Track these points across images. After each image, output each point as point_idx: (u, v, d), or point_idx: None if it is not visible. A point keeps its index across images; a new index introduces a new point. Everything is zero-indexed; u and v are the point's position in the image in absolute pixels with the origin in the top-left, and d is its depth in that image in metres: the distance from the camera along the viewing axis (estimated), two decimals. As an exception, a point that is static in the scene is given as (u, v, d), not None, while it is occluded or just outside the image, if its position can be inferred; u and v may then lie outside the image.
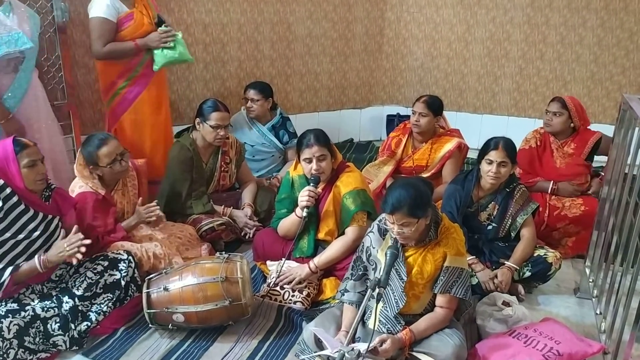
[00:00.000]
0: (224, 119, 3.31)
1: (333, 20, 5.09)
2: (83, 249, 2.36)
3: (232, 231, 3.34)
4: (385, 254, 2.17)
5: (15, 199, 2.36)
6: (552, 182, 3.43)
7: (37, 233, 2.43)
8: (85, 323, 2.44)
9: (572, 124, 3.47)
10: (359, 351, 1.87)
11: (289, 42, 4.93)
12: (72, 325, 2.40)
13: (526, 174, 3.50)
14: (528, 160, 3.54)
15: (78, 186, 2.78)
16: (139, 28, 3.36)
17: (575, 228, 3.30)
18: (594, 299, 2.86)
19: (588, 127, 3.55)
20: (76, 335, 2.40)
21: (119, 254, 2.65)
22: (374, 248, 2.33)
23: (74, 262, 2.38)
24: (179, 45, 3.43)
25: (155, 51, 3.40)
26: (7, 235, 2.34)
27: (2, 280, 2.31)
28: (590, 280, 2.94)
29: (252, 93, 4.02)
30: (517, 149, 2.99)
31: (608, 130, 3.41)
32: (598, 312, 2.72)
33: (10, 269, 2.33)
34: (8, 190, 2.34)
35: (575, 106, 3.46)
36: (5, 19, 2.96)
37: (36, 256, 2.39)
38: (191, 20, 4.46)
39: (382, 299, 2.18)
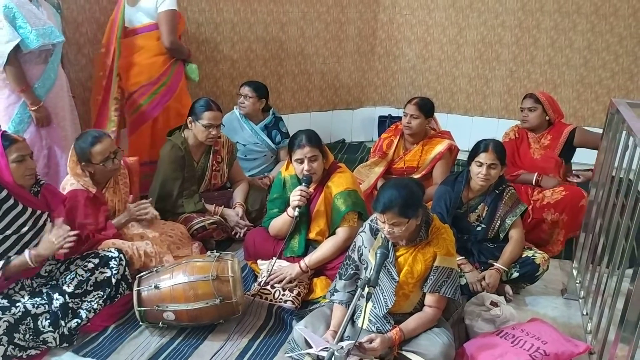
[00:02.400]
0: (217, 119, 3.32)
1: (326, 21, 5.12)
2: (70, 242, 2.36)
3: (223, 230, 3.35)
4: (376, 253, 2.19)
5: (4, 193, 2.36)
6: (536, 173, 3.54)
7: (25, 228, 2.42)
8: (75, 320, 2.44)
9: (547, 117, 3.60)
10: (348, 349, 1.89)
11: (281, 42, 4.95)
12: (63, 322, 2.40)
13: (509, 165, 3.53)
14: (510, 153, 3.60)
15: (69, 184, 2.79)
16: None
17: (560, 215, 3.33)
18: (580, 300, 2.90)
19: (562, 121, 3.67)
20: (66, 332, 2.40)
21: (110, 251, 2.66)
22: (365, 248, 2.35)
23: (61, 256, 2.40)
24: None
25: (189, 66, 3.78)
26: None
27: None
28: (578, 281, 2.98)
29: (246, 89, 4.04)
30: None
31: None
32: (584, 312, 2.76)
33: (0, 263, 2.33)
34: None
35: (547, 99, 3.60)
36: (39, 12, 3.08)
37: (26, 250, 2.38)
38: (184, 19, 4.46)
39: (371, 298, 2.20)
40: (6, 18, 2.94)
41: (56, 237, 2.36)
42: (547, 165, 3.57)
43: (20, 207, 2.41)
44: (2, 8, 2.93)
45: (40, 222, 2.50)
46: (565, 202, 3.33)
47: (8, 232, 2.38)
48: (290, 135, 3.89)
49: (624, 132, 2.51)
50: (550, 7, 4.84)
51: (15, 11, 2.95)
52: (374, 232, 2.35)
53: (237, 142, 3.84)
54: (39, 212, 2.49)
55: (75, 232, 2.39)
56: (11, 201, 2.39)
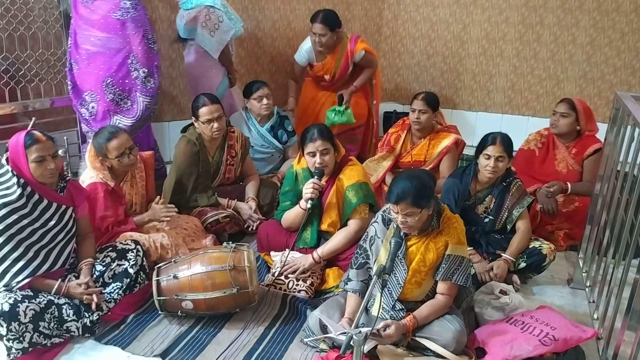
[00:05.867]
0: (213, 112, 3.33)
1: (332, 18, 5.17)
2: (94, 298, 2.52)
3: (235, 223, 3.42)
4: (390, 242, 2.26)
5: (29, 189, 2.42)
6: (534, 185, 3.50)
7: (52, 222, 2.49)
8: (97, 313, 2.50)
9: (578, 127, 3.51)
10: (366, 333, 1.96)
11: (288, 39, 5.01)
12: (86, 314, 2.47)
13: (520, 173, 3.44)
14: (524, 160, 3.63)
15: (89, 177, 2.85)
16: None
17: (568, 225, 3.40)
18: (586, 289, 2.97)
19: (594, 135, 3.52)
20: (88, 324, 2.46)
21: (127, 244, 2.73)
22: (378, 238, 2.42)
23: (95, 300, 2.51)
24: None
25: None
26: (25, 222, 2.40)
27: (18, 284, 2.37)
28: (584, 271, 3.05)
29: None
30: (516, 148, 3.05)
31: (600, 128, 3.50)
32: (591, 300, 2.83)
33: (27, 273, 2.39)
34: (23, 180, 2.41)
35: (583, 109, 3.50)
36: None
37: (57, 283, 2.48)
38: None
39: (386, 285, 2.27)
40: (224, 12, 3.81)
41: (86, 295, 2.49)
42: (570, 180, 3.46)
43: (45, 202, 2.48)
44: (220, 3, 3.83)
45: (66, 218, 2.56)
46: (578, 215, 3.35)
47: (36, 225, 2.44)
48: (295, 133, 4.02)
49: (629, 126, 2.58)
50: (554, 3, 4.89)
51: (226, 5, 3.84)
52: (387, 223, 2.42)
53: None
54: (63, 207, 2.55)
55: (102, 297, 2.56)
56: (36, 196, 2.45)
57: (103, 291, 2.57)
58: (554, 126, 3.57)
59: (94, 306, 2.48)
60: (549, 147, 3.59)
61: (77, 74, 3.50)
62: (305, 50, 4.31)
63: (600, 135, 3.32)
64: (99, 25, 3.36)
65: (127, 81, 3.46)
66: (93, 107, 3.51)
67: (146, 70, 3.46)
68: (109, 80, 3.43)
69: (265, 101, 3.87)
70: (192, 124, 3.46)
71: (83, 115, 3.59)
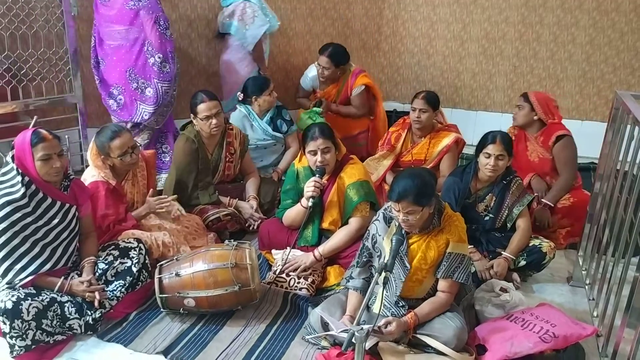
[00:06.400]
0: (211, 108, 3.33)
1: (332, 17, 5.19)
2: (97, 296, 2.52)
3: (237, 222, 3.43)
4: (391, 240, 2.28)
5: (33, 187, 2.44)
6: (530, 175, 3.53)
7: (56, 220, 2.50)
8: (99, 310, 2.51)
9: (536, 117, 3.54)
10: (368, 330, 1.97)
11: (289, 38, 5.02)
12: (89, 312, 2.48)
13: None
14: None
15: (90, 175, 2.86)
16: None
17: (567, 221, 3.41)
18: (586, 287, 2.98)
19: (558, 123, 3.55)
20: (90, 322, 2.48)
21: (130, 242, 2.74)
22: (379, 236, 2.43)
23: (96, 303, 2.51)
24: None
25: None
26: (29, 219, 2.41)
27: (21, 281, 2.38)
28: (584, 269, 3.06)
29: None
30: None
31: (599, 127, 3.51)
32: (591, 298, 2.85)
33: (31, 270, 2.40)
34: (27, 178, 2.42)
35: (538, 99, 3.55)
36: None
37: (60, 281, 2.48)
38: (194, 16, 4.56)
39: (387, 283, 2.28)
40: (260, 7, 4.06)
41: (89, 292, 2.50)
42: (544, 168, 3.53)
43: (49, 200, 2.49)
44: None
45: (69, 216, 2.57)
46: (574, 210, 3.36)
47: (40, 222, 2.46)
48: (293, 122, 4.09)
49: (629, 125, 2.60)
50: (553, 3, 4.90)
51: (262, 2, 4.07)
52: (388, 221, 2.44)
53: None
54: (67, 205, 2.57)
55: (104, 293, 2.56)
56: (40, 194, 2.46)
57: (106, 289, 2.58)
58: (514, 118, 3.67)
59: (96, 304, 2.49)
60: (521, 139, 3.64)
61: (104, 69, 3.75)
62: (310, 77, 4.51)
63: (601, 131, 3.31)
64: (117, 19, 3.59)
65: (146, 69, 3.68)
66: (120, 99, 3.77)
67: (161, 56, 3.64)
68: (131, 70, 3.68)
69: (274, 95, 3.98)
70: (190, 122, 3.47)
71: (111, 106, 3.82)
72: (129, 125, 3.81)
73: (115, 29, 3.61)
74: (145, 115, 3.76)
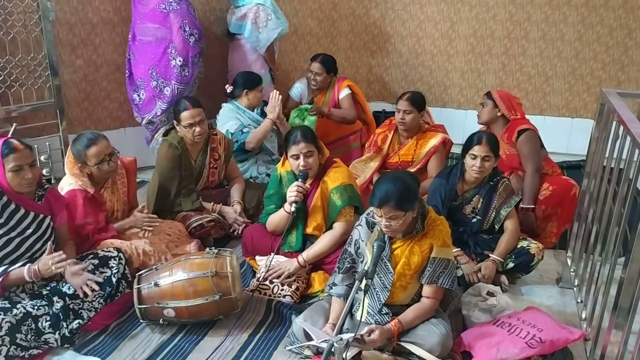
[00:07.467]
0: (195, 116, 3.28)
1: (319, 18, 5.14)
2: (95, 286, 2.43)
3: (221, 227, 3.37)
4: (373, 246, 2.23)
5: (5, 198, 2.38)
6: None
7: (29, 231, 2.44)
8: (77, 321, 2.45)
9: (499, 113, 3.50)
10: (347, 340, 1.92)
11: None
12: (64, 324, 2.41)
13: None
14: None
15: (67, 184, 2.80)
16: None
17: (552, 209, 3.35)
18: (575, 289, 2.94)
19: (523, 118, 3.53)
20: (67, 334, 2.41)
21: (109, 251, 2.68)
22: (362, 241, 2.38)
23: (88, 292, 2.42)
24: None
25: None
26: (1, 231, 2.36)
27: None
28: (572, 270, 3.02)
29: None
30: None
31: (589, 124, 3.46)
32: (579, 300, 2.81)
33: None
34: None
35: (500, 96, 3.52)
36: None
37: (27, 266, 2.39)
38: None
39: (369, 290, 2.23)
40: (273, 10, 4.14)
41: (53, 261, 2.36)
42: (512, 164, 3.49)
43: (22, 210, 2.43)
44: (270, 2, 4.14)
45: (44, 226, 2.52)
46: (556, 196, 3.32)
47: (13, 234, 2.40)
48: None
49: (614, 122, 2.55)
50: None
51: (274, 4, 4.13)
52: (371, 225, 2.39)
53: (243, 129, 3.85)
54: (41, 216, 2.51)
55: (66, 259, 2.41)
56: (12, 205, 2.40)
57: (85, 299, 2.51)
58: (478, 116, 3.63)
59: (88, 290, 2.40)
60: None
61: (134, 63, 4.00)
62: (298, 87, 4.56)
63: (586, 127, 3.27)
64: (149, 16, 3.86)
65: (168, 70, 3.90)
66: (143, 94, 4.01)
67: (182, 60, 3.86)
68: (153, 69, 3.92)
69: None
70: (173, 128, 3.41)
71: (134, 100, 4.08)
72: (143, 123, 4.11)
73: (147, 25, 3.88)
74: (159, 111, 3.99)
